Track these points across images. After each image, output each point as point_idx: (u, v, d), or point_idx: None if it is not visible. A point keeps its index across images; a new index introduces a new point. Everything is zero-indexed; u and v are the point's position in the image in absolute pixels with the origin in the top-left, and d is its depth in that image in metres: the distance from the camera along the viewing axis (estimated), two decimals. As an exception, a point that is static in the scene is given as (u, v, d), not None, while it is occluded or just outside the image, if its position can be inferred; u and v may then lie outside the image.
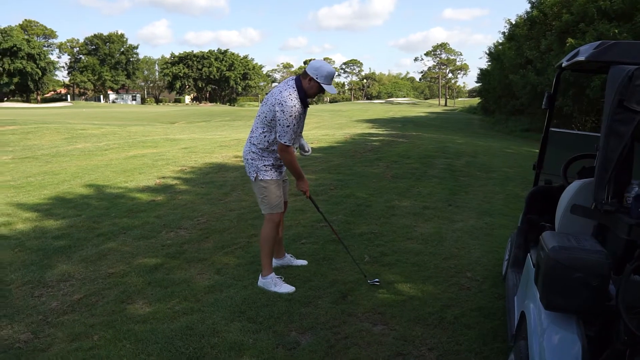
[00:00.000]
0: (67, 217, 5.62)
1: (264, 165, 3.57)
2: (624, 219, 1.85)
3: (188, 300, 3.47)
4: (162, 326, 3.11)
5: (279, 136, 3.43)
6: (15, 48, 66.83)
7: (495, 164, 9.65)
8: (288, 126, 3.40)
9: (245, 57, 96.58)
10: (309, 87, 3.47)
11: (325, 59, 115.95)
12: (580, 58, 2.23)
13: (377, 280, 3.72)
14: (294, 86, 3.46)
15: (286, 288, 3.52)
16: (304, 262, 4.08)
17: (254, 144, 3.59)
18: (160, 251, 4.48)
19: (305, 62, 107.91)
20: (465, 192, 6.85)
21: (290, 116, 3.38)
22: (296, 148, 3.74)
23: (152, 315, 3.26)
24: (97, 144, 13.03)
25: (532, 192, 3.34)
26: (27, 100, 71.46)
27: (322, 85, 3.45)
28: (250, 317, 3.19)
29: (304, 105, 3.52)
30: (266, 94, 4.01)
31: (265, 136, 3.53)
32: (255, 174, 3.58)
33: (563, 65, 2.69)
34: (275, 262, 3.89)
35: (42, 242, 4.76)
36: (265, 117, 3.49)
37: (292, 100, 3.40)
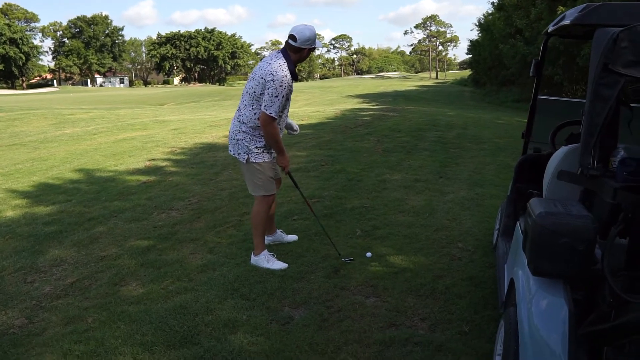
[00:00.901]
0: (57, 203, 5.59)
1: (256, 147, 3.45)
2: (609, 183, 1.85)
3: (181, 280, 3.48)
4: (155, 306, 3.12)
5: (265, 106, 3.29)
6: (-4, 33, 65.39)
7: (486, 135, 9.65)
8: (276, 96, 3.28)
9: (233, 35, 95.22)
10: (300, 56, 3.42)
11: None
12: (566, 22, 2.20)
13: (369, 255, 3.72)
14: (283, 58, 3.37)
15: (279, 264, 3.53)
16: (294, 238, 4.09)
17: (243, 122, 3.46)
18: (152, 233, 4.47)
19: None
20: (456, 164, 6.86)
21: (281, 86, 3.28)
22: (283, 129, 3.65)
23: (146, 296, 3.27)
24: (86, 128, 12.88)
25: (521, 161, 3.34)
26: (13, 87, 70.29)
27: (308, 48, 3.40)
28: (243, 294, 3.20)
29: (294, 77, 3.44)
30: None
31: (255, 113, 3.40)
32: (246, 156, 3.46)
33: (549, 30, 2.66)
34: (266, 239, 3.89)
35: (32, 228, 4.74)
36: (255, 92, 3.38)
37: (283, 70, 3.31)
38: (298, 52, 3.39)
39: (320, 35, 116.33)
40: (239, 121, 3.49)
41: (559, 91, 19.54)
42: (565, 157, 2.21)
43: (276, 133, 3.41)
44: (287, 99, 3.42)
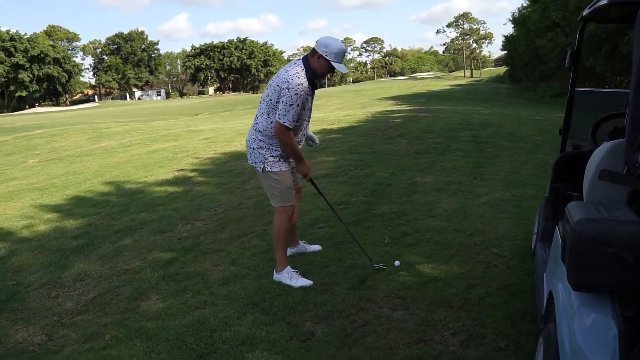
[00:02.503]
0: (86, 216, 5.63)
1: (272, 156, 3.31)
2: None
3: (201, 294, 3.37)
4: (173, 322, 3.01)
5: (279, 115, 3.14)
6: (42, 54, 68.47)
7: (523, 132, 9.23)
8: (291, 105, 3.13)
9: (265, 43, 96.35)
10: (318, 65, 3.20)
11: (345, 39, 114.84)
12: (604, 2, 1.95)
13: (397, 264, 3.52)
14: (302, 65, 3.21)
15: (302, 282, 3.33)
16: (318, 248, 3.92)
17: (259, 131, 3.32)
18: (175, 244, 4.40)
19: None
20: (491, 164, 6.54)
21: (296, 94, 3.12)
22: (302, 140, 3.48)
23: (165, 311, 3.18)
24: (120, 141, 13.14)
25: (559, 159, 3.06)
26: (57, 104, 73.38)
27: (332, 63, 3.18)
28: (263, 309, 3.06)
29: (312, 86, 3.26)
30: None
31: (272, 122, 3.25)
32: (262, 165, 3.33)
33: (585, 14, 2.40)
34: (289, 250, 3.73)
35: (61, 242, 4.76)
36: (271, 99, 3.24)
37: (300, 78, 3.14)
38: (317, 59, 3.19)
39: (351, 39, 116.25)
40: (255, 130, 3.37)
41: (602, 83, 18.66)
42: (608, 154, 1.95)
43: (292, 142, 3.26)
44: (304, 107, 3.26)
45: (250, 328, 2.85)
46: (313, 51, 3.22)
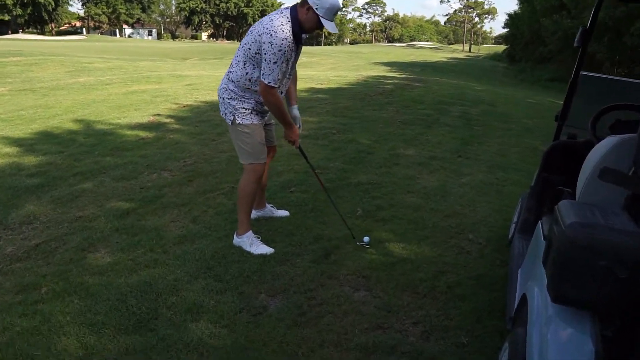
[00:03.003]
0: (48, 154, 5.29)
1: (244, 108, 3.02)
2: None
3: (154, 251, 3.13)
4: (118, 280, 2.79)
5: (263, 74, 2.84)
6: (28, -24, 65.00)
7: (515, 114, 8.99)
8: (275, 62, 2.81)
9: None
10: (306, 18, 2.85)
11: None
12: None
13: (367, 240, 3.30)
14: (288, 16, 2.86)
15: (263, 249, 3.11)
16: (285, 213, 3.68)
17: (232, 81, 3.02)
18: (137, 194, 4.13)
19: None
20: (478, 143, 6.32)
21: (280, 50, 2.79)
22: (284, 93, 3.17)
23: (111, 267, 2.94)
24: (100, 78, 12.55)
25: (552, 147, 2.83)
26: (42, 32, 70.36)
27: (321, 19, 2.83)
28: (217, 275, 2.84)
29: (298, 41, 2.93)
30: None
31: (247, 73, 2.95)
32: (232, 117, 3.03)
33: None
34: (254, 213, 3.49)
35: (15, 179, 4.45)
36: (250, 48, 2.90)
37: (284, 32, 2.80)
38: (306, 10, 2.84)
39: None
40: (228, 79, 3.05)
41: (598, 72, 18.39)
42: (612, 150, 1.71)
43: (279, 103, 2.97)
44: (288, 61, 2.94)
45: (199, 295, 2.64)
46: (303, 1, 2.86)
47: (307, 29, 2.92)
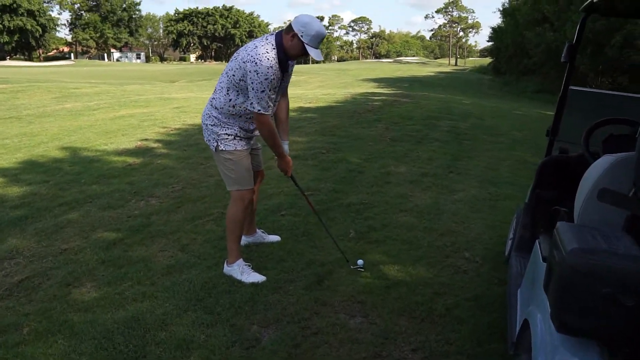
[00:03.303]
0: (33, 184, 5.18)
1: (226, 134, 2.95)
2: None
3: (141, 284, 3.03)
4: (104, 316, 2.68)
5: (252, 104, 2.79)
6: (14, 4, 65.14)
7: (503, 126, 9.03)
8: (262, 91, 2.75)
9: (251, 14, 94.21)
10: (291, 45, 2.80)
11: (333, 16, 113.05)
12: None
13: (360, 263, 3.23)
14: (273, 43, 2.81)
15: (254, 277, 3.01)
16: (277, 238, 3.60)
17: (215, 107, 2.95)
18: (124, 223, 4.03)
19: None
20: (468, 157, 6.30)
21: (266, 79, 2.74)
22: (273, 112, 3.12)
23: (97, 302, 2.83)
24: (87, 103, 12.46)
25: (544, 163, 2.79)
26: (30, 59, 70.35)
27: (306, 46, 2.78)
28: (207, 307, 2.74)
29: (283, 68, 2.87)
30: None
31: (230, 99, 2.89)
32: (215, 143, 2.96)
33: (594, 1, 2.09)
34: (244, 239, 3.41)
35: (-2, 211, 4.33)
36: (234, 75, 2.84)
37: (269, 59, 2.74)
38: (291, 37, 2.79)
39: (339, 16, 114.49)
40: (212, 105, 2.99)
41: (583, 83, 18.63)
42: (609, 170, 1.66)
43: (272, 131, 2.93)
44: (276, 90, 2.90)
45: (190, 329, 2.54)
46: (289, 28, 2.82)
47: (291, 55, 2.87)
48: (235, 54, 2.93)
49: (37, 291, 3.00)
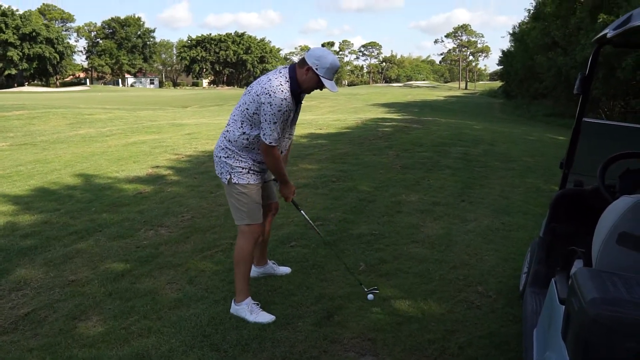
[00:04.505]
0: (44, 212, 5.20)
1: (240, 167, 2.93)
2: None
3: (148, 318, 2.98)
4: (109, 352, 2.63)
5: (263, 135, 2.78)
6: (34, 33, 67.16)
7: (515, 152, 8.95)
8: (275, 123, 2.75)
9: (263, 39, 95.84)
10: (306, 79, 2.80)
11: (344, 41, 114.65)
12: (637, 23, 1.61)
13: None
14: (287, 76, 2.81)
15: (264, 317, 2.92)
16: (287, 270, 3.55)
17: (229, 140, 2.93)
18: (132, 254, 4.00)
19: (322, 45, 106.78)
20: (480, 185, 6.23)
21: (279, 111, 2.74)
22: (284, 150, 3.12)
23: (103, 337, 2.79)
24: (101, 129, 12.65)
25: (559, 196, 2.73)
26: (47, 84, 72.06)
27: (322, 78, 2.78)
28: (213, 343, 2.69)
29: (297, 100, 2.87)
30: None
31: (244, 132, 2.87)
32: (228, 176, 2.94)
33: (608, 35, 2.06)
34: (254, 270, 3.36)
35: (8, 240, 4.34)
36: (247, 108, 2.83)
37: (283, 91, 2.74)
38: (306, 71, 2.79)
39: (349, 42, 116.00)
40: (225, 138, 2.97)
41: (595, 107, 18.52)
42: (628, 212, 1.60)
43: (278, 163, 2.93)
44: (287, 121, 2.89)
45: (195, 368, 2.48)
46: (302, 61, 2.82)
47: (305, 88, 2.86)
48: (248, 88, 2.94)
49: (42, 325, 2.97)
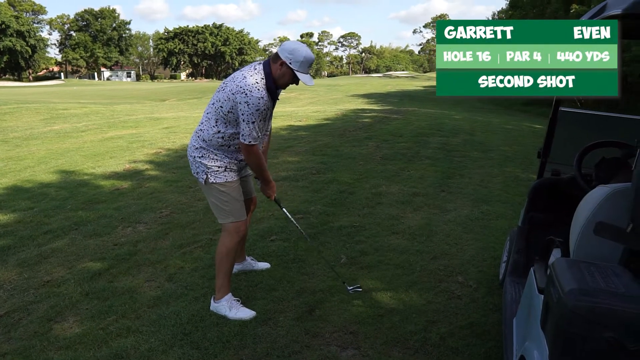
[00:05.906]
0: (18, 211, 5.06)
1: (216, 166, 2.86)
2: None
3: (126, 317, 2.93)
4: (87, 354, 2.58)
5: (242, 135, 2.72)
6: (3, 25, 65.22)
7: (494, 142, 9.04)
8: (253, 122, 2.69)
9: (241, 31, 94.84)
10: (280, 74, 2.74)
11: (323, 32, 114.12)
12: (614, 12, 1.60)
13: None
14: (262, 72, 2.73)
15: (244, 313, 2.89)
16: (266, 266, 3.52)
17: (203, 140, 2.86)
18: (109, 252, 3.92)
19: (301, 36, 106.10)
20: (460, 175, 6.27)
21: (257, 110, 2.67)
22: (262, 144, 3.07)
23: (80, 339, 2.73)
24: (76, 124, 12.36)
25: (537, 186, 2.76)
26: (19, 79, 70.21)
27: (296, 72, 2.73)
28: (193, 341, 2.65)
29: (273, 97, 2.81)
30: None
31: (219, 131, 2.80)
32: (205, 176, 2.87)
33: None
34: (234, 267, 3.32)
35: (-21, 241, 4.21)
36: (222, 106, 2.76)
37: (259, 90, 2.67)
38: (279, 66, 2.73)
39: (329, 32, 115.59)
40: (199, 137, 2.89)
41: (574, 102, 18.81)
42: (604, 202, 1.61)
43: (260, 161, 2.89)
44: (265, 119, 2.83)
45: (175, 367, 2.44)
46: (276, 56, 2.76)
47: (281, 84, 2.81)
48: (222, 84, 2.86)
49: (16, 328, 2.89)
